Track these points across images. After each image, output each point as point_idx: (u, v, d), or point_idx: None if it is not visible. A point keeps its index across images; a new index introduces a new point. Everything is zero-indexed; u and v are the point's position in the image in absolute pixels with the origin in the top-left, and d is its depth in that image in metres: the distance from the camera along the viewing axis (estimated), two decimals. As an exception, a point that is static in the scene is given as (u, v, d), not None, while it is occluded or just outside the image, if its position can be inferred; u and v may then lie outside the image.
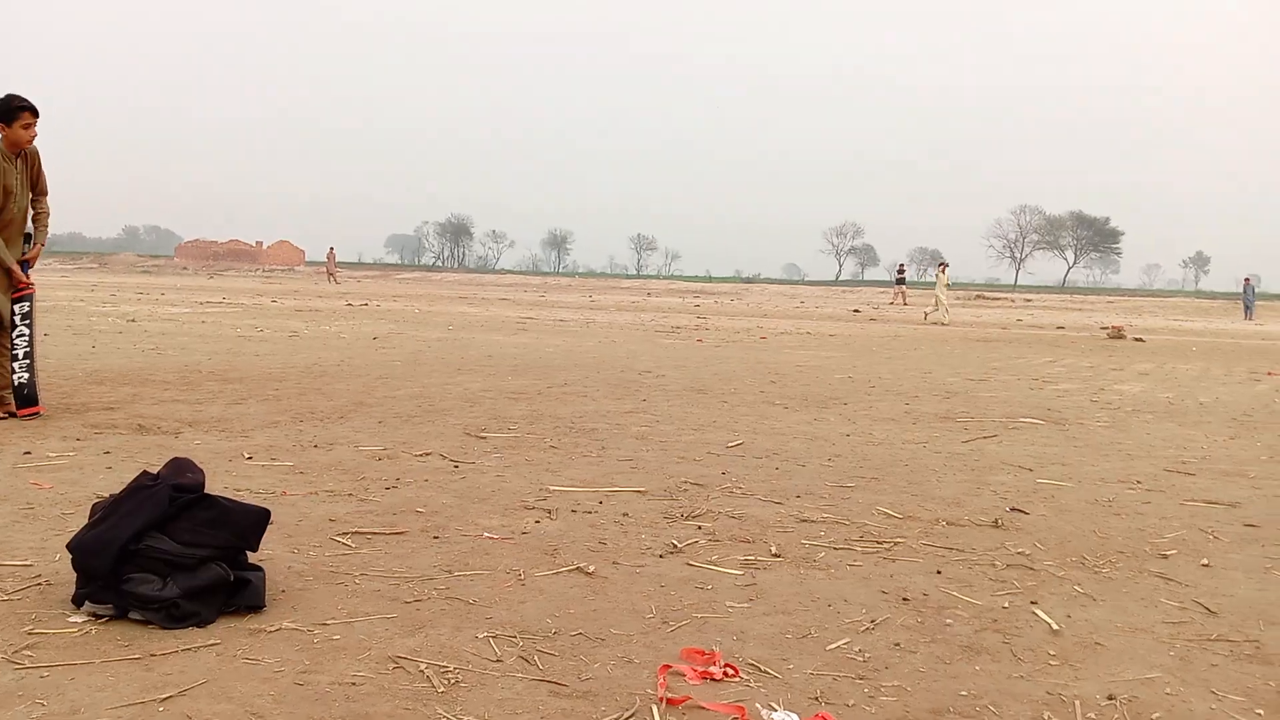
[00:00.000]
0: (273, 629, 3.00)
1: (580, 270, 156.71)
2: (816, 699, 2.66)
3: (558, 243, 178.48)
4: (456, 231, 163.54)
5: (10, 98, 6.33)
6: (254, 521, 3.30)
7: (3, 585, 3.28)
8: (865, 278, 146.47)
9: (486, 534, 4.13)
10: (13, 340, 6.48)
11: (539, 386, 9.35)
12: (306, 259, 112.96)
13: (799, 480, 5.44)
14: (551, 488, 5.05)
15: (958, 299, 58.91)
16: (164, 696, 2.50)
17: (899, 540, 4.26)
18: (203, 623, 3.01)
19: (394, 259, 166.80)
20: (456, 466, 5.50)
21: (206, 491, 3.36)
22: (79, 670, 2.65)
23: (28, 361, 6.53)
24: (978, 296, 64.99)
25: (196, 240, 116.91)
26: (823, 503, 4.93)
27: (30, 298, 6.59)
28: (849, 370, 12.26)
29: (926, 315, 26.31)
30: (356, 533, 4.07)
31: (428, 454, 5.82)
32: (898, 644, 3.07)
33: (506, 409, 7.77)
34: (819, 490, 5.21)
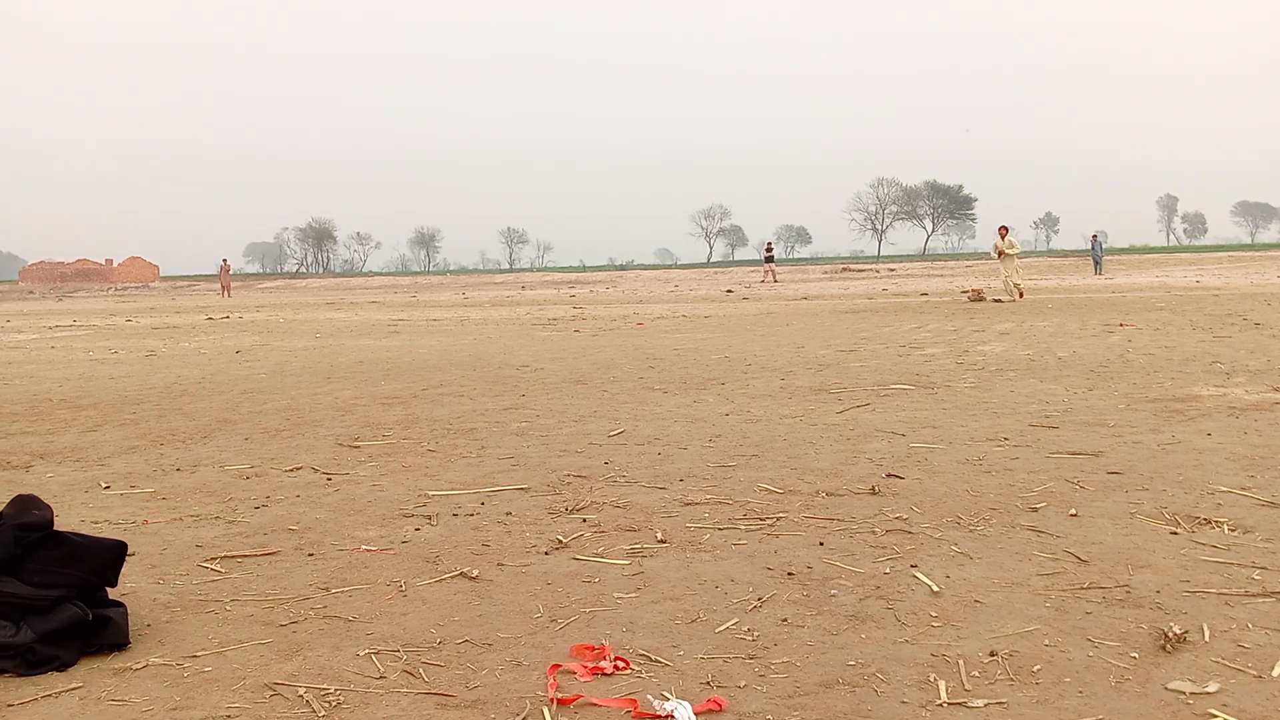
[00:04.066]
0: (139, 666, 2.84)
1: (451, 268, 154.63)
2: (708, 683, 2.65)
3: (426, 241, 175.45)
4: (319, 236, 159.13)
5: None
6: (110, 556, 3.12)
7: None
8: (736, 258, 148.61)
9: (364, 547, 4.00)
10: None
11: (414, 390, 9.15)
12: (161, 274, 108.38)
13: (681, 464, 5.46)
14: (431, 493, 4.94)
15: (825, 274, 60.27)
16: (19, 752, 2.34)
17: (781, 515, 4.31)
18: (63, 666, 2.83)
19: (255, 268, 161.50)
20: (330, 479, 5.33)
21: (56, 528, 3.16)
22: (-79, 734, 2.46)
23: None
24: (843, 269, 66.61)
25: (42, 262, 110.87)
26: (706, 484, 4.95)
27: None
28: (725, 350, 12.38)
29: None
30: (226, 557, 3.90)
31: (298, 468, 5.62)
32: (785, 620, 3.09)
33: (380, 415, 7.58)
34: (701, 472, 5.23)
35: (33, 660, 2.83)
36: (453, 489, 5.01)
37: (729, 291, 37.14)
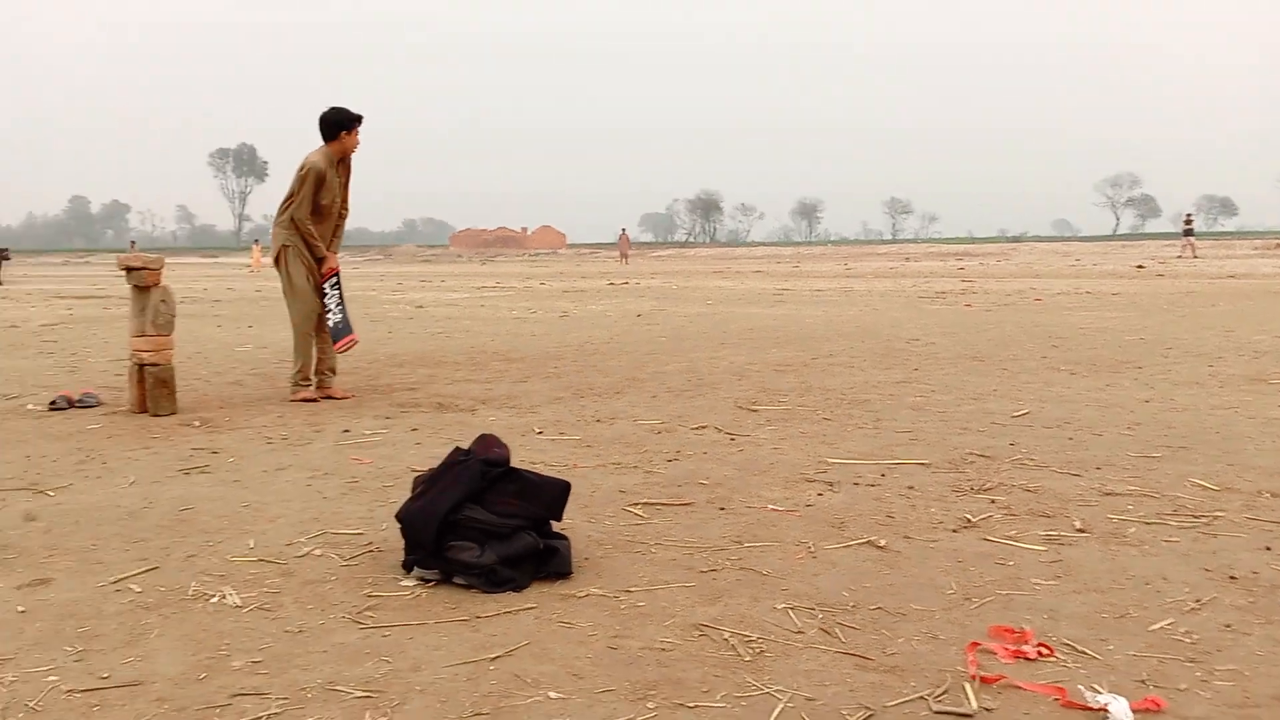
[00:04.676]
0: (582, 595, 3.16)
1: (832, 238, 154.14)
2: (1143, 681, 2.50)
3: (808, 212, 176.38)
4: (706, 207, 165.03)
5: (346, 110, 6.98)
6: (558, 493, 3.48)
7: (340, 552, 3.62)
8: (1146, 230, 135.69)
9: (771, 506, 4.15)
10: (324, 302, 7.14)
11: (804, 358, 9.29)
12: (568, 242, 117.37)
13: (1096, 450, 5.13)
14: (830, 460, 5.01)
15: (1255, 249, 53.43)
16: (493, 656, 2.69)
17: (1218, 514, 3.93)
18: (518, 588, 3.21)
19: (648, 237, 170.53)
20: (733, 439, 5.57)
21: (512, 465, 3.57)
22: (415, 630, 2.90)
23: (340, 307, 7.20)
24: (1279, 246, 58.64)
25: (468, 229, 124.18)
26: (1126, 474, 4.62)
27: (337, 275, 7.23)
28: (1139, 331, 11.41)
29: None
30: (646, 503, 4.21)
31: (703, 427, 5.92)
32: (1229, 625, 2.84)
33: (774, 381, 7.78)
34: (1120, 461, 4.89)
35: (494, 580, 3.23)
36: (851, 458, 5.05)
37: (1139, 267, 34.07)
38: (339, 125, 6.97)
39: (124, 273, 6.65)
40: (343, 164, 7.15)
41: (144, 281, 6.57)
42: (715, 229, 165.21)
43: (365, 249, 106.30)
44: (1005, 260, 48.91)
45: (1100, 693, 2.38)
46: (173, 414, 6.46)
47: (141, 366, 6.50)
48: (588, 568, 3.41)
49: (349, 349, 7.33)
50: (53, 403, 6.78)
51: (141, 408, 6.51)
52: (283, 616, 3.01)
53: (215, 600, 3.12)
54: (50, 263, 78.03)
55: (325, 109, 7.01)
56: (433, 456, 4.89)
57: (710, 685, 2.50)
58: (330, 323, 7.17)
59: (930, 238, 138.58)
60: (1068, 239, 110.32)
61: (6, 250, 34.25)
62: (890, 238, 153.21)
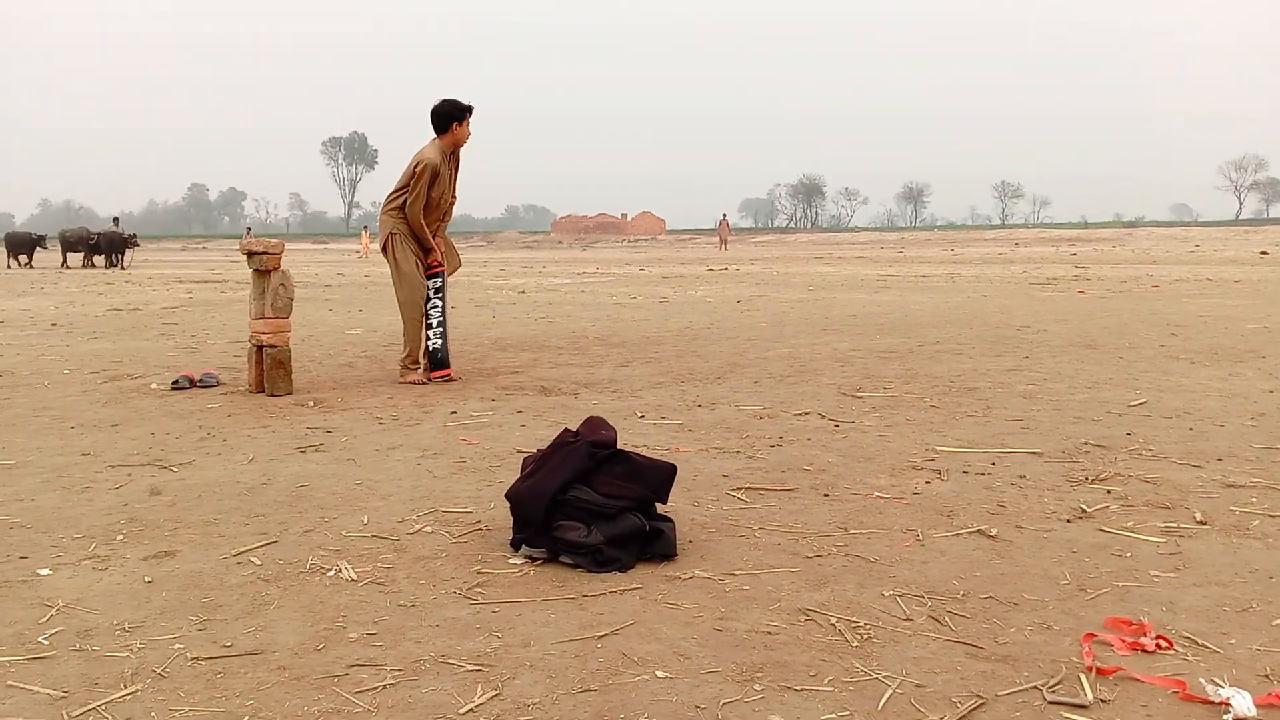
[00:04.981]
0: (687, 577, 3.17)
1: (939, 224, 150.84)
2: (1267, 676, 2.41)
3: (913, 196, 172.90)
4: (808, 192, 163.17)
5: (457, 101, 7.08)
6: (664, 476, 3.50)
7: (450, 529, 3.70)
8: (1272, 215, 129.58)
9: (877, 493, 4.11)
10: (427, 311, 7.26)
11: (909, 345, 9.14)
12: (668, 228, 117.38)
13: (1218, 442, 4.94)
14: (938, 448, 4.93)
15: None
16: (600, 634, 2.73)
17: (1352, 510, 3.75)
18: (624, 568, 3.24)
19: (748, 223, 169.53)
20: (837, 426, 5.51)
21: (619, 448, 3.60)
22: (523, 607, 2.95)
23: (441, 329, 7.30)
24: None
25: (569, 215, 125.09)
26: (1249, 466, 4.44)
27: (441, 274, 7.36)
28: (1263, 319, 10.92)
29: None
30: (749, 488, 4.20)
31: (806, 413, 5.87)
32: (1363, 625, 2.71)
33: (879, 368, 7.67)
34: (1243, 453, 4.70)
35: (600, 559, 3.27)
36: (960, 446, 4.96)
37: (1264, 253, 32.56)
38: (450, 116, 7.08)
39: (245, 257, 6.90)
40: (453, 155, 7.27)
41: (264, 266, 6.80)
42: (817, 214, 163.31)
43: (469, 236, 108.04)
44: (1120, 246, 47.25)
45: (1222, 686, 2.30)
46: (288, 394, 6.69)
47: (260, 348, 6.75)
48: (692, 550, 3.43)
49: (443, 381, 7.22)
50: (175, 382, 7.08)
51: (259, 388, 6.76)
52: (396, 591, 3.09)
53: (332, 574, 3.23)
54: (169, 248, 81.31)
55: (437, 101, 7.13)
56: (537, 439, 4.97)
57: (817, 669, 2.50)
58: (430, 346, 7.24)
59: (1041, 223, 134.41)
60: (1187, 224, 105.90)
61: (134, 236, 35.64)
62: (999, 223, 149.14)
